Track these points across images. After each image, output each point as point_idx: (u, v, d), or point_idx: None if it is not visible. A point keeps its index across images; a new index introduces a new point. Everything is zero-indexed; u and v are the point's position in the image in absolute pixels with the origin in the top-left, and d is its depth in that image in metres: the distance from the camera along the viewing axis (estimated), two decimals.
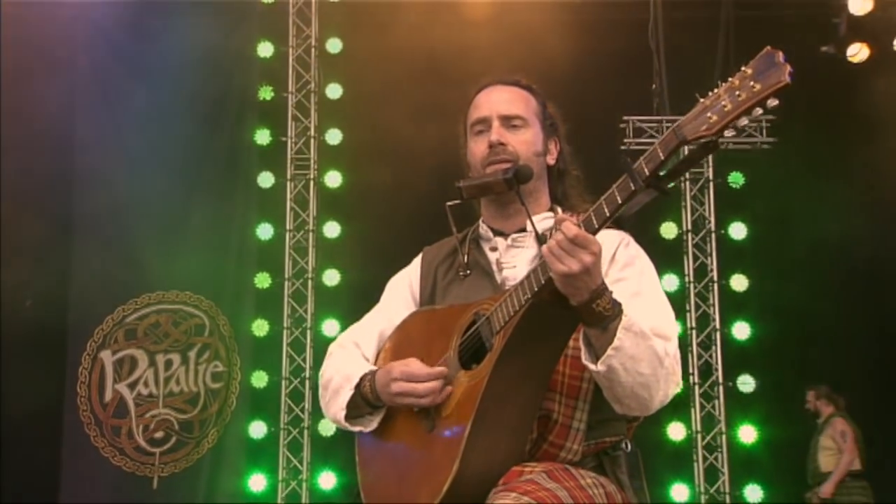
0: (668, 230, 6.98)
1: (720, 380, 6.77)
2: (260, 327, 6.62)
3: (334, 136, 6.84)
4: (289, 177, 6.81)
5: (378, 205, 6.90)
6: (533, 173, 2.24)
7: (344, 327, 6.49)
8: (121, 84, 6.73)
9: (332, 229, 6.78)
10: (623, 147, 6.62)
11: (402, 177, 6.90)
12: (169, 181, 6.66)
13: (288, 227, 6.75)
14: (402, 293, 2.41)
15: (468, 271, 2.31)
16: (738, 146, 6.69)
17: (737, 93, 1.74)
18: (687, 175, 6.66)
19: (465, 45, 6.98)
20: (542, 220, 2.27)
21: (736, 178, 6.87)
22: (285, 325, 6.65)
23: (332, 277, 6.71)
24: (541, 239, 2.18)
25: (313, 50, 6.91)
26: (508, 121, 2.29)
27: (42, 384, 6.23)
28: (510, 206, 2.27)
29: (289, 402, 6.55)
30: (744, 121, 1.75)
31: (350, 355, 2.34)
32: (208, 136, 6.83)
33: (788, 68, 1.70)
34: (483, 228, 2.35)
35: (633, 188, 1.84)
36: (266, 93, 6.85)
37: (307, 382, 6.55)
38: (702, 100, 1.79)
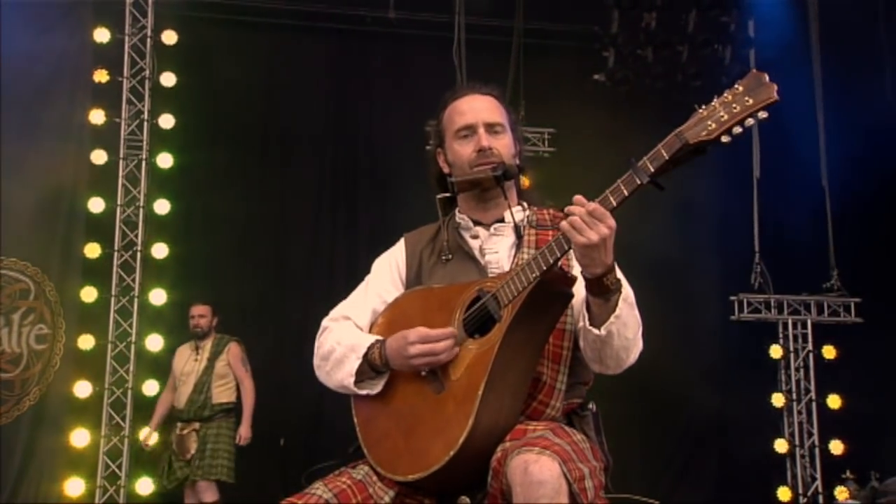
0: None
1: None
2: (88, 294, 6.93)
3: (167, 121, 7.28)
4: (122, 156, 7.20)
5: (206, 186, 7.46)
6: (518, 172, 2.48)
7: (170, 297, 7.11)
8: None
9: (162, 206, 7.21)
10: (428, 147, 7.46)
11: (230, 159, 7.54)
12: None
13: (119, 203, 7.13)
14: (389, 273, 2.54)
15: (450, 255, 2.47)
16: (527, 153, 7.79)
17: (733, 105, 1.95)
18: None
19: (290, 47, 7.74)
20: (517, 213, 2.49)
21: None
22: (113, 292, 7.01)
23: (160, 250, 7.15)
24: (518, 228, 2.42)
25: (149, 40, 7.34)
26: (492, 127, 2.48)
27: None
28: (490, 201, 2.48)
29: (114, 364, 6.91)
30: (738, 129, 1.95)
31: (347, 328, 2.45)
32: (41, 110, 7.11)
33: (776, 87, 1.92)
34: (463, 219, 2.52)
35: (639, 182, 2.02)
36: (101, 76, 7.19)
37: (132, 346, 6.95)
38: (700, 110, 1.99)
